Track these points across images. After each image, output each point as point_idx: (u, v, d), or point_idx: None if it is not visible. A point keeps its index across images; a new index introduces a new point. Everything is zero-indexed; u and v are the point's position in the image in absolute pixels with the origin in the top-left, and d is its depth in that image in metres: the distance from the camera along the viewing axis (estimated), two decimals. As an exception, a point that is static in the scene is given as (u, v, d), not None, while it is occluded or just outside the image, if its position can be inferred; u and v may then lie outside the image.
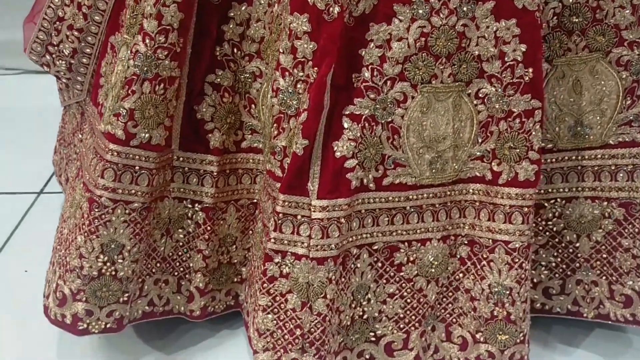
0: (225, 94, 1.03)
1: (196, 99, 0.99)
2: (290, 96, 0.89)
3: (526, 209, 0.94)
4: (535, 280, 1.11)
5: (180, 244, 1.07)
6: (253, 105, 1.05)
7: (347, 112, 0.90)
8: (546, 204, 1.09)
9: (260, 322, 0.91)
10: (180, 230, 1.07)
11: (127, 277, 0.99)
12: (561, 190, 1.08)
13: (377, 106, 0.91)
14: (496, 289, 0.97)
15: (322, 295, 0.90)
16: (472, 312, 1.00)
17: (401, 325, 1.00)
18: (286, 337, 0.91)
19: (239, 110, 1.05)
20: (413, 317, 1.00)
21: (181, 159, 1.04)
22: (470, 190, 0.97)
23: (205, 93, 1.01)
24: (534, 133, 0.93)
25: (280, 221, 0.90)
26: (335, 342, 0.95)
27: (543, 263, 1.11)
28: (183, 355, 1.13)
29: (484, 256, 0.98)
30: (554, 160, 1.07)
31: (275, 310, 0.92)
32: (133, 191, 0.97)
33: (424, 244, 0.98)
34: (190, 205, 1.06)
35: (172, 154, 1.03)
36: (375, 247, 0.96)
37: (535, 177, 0.94)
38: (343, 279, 0.93)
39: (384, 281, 0.98)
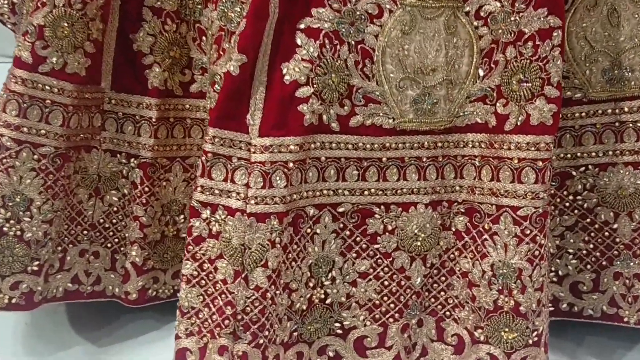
0: (168, 21, 0.84)
1: (132, 25, 0.81)
2: (231, 6, 0.69)
3: (541, 164, 0.71)
4: (560, 272, 0.87)
5: (114, 209, 0.88)
6: (204, 38, 0.85)
7: (301, 26, 0.70)
8: (574, 173, 0.85)
9: (183, 297, 0.69)
10: (113, 192, 0.87)
11: (36, 240, 0.79)
12: (593, 154, 0.84)
13: (343, 20, 0.70)
14: (501, 271, 0.73)
15: (261, 263, 0.68)
16: (471, 303, 0.76)
17: (376, 316, 0.77)
18: (214, 317, 0.70)
19: (187, 43, 0.85)
20: (392, 306, 0.77)
21: (114, 101, 0.85)
22: (469, 142, 0.74)
23: (144, 19, 0.82)
24: (552, 62, 0.70)
25: (209, 164, 0.69)
26: (284, 330, 0.72)
27: (570, 250, 0.86)
28: (118, 347, 0.92)
29: (486, 227, 0.74)
30: (583, 114, 0.83)
31: (202, 281, 0.70)
32: (43, 131, 0.78)
33: (407, 209, 0.75)
34: (125, 161, 0.87)
35: (102, 95, 0.83)
36: (341, 210, 0.74)
37: (553, 121, 0.71)
38: (295, 247, 0.71)
39: (354, 255, 0.75)
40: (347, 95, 0.72)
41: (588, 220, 0.86)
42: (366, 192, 0.74)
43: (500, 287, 0.74)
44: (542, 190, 0.72)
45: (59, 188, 0.81)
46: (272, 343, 0.71)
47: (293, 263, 0.72)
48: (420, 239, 0.76)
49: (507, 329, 0.74)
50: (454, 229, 0.77)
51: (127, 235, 0.88)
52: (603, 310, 0.87)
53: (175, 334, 0.71)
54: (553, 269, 0.87)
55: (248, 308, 0.68)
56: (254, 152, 0.69)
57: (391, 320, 0.77)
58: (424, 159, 0.75)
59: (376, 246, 0.76)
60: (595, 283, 0.87)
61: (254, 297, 0.69)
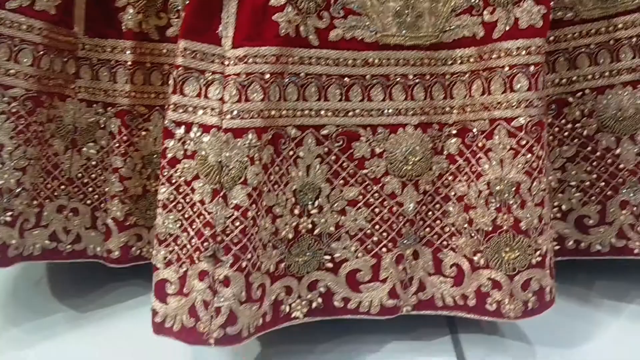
0: (141, -40, 0.81)
1: (103, -35, 0.77)
2: None
3: (533, 69, 0.67)
4: (564, 207, 0.82)
5: (93, 162, 0.84)
6: (179, -23, 0.82)
7: None
8: (570, 99, 0.81)
9: (160, 223, 0.65)
10: (91, 144, 0.84)
11: (9, 188, 0.76)
12: (589, 77, 0.80)
13: None
14: (498, 187, 0.69)
15: (240, 180, 0.64)
16: (468, 227, 0.71)
17: (369, 246, 0.72)
18: (193, 241, 0.65)
19: (161, -16, 0.83)
20: (384, 235, 0.72)
21: (88, 47, 0.82)
22: (458, 59, 0.71)
23: (116, -43, 0.80)
24: (537, -41, 0.67)
25: (181, 79, 0.65)
26: (270, 259, 0.68)
27: (573, 183, 0.82)
28: (100, 314, 0.87)
29: (480, 145, 0.70)
30: (576, 35, 0.79)
31: (179, 205, 0.66)
32: (12, 71, 0.75)
33: (395, 131, 0.71)
34: (101, 110, 0.83)
35: (75, 40, 0.81)
36: (325, 132, 0.70)
37: (544, 23, 0.67)
38: (277, 169, 0.67)
39: (341, 182, 0.71)
40: (325, 6, 0.68)
41: (589, 148, 0.81)
42: (350, 113, 0.71)
43: (499, 205, 0.69)
44: (536, 98, 0.68)
45: (32, 134, 0.77)
46: (256, 270, 0.66)
47: (275, 186, 0.68)
48: (411, 162, 0.72)
49: (507, 249, 0.69)
50: (446, 153, 0.73)
51: (107, 190, 0.84)
52: (611, 244, 0.82)
53: (154, 266, 0.66)
54: (556, 204, 0.82)
55: (228, 229, 0.64)
56: (227, 65, 0.65)
57: (384, 250, 0.72)
58: (410, 77, 0.71)
59: (364, 171, 0.71)
60: (601, 215, 0.82)
61: (233, 217, 0.64)
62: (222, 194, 0.64)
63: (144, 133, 0.84)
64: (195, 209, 0.65)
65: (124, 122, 0.82)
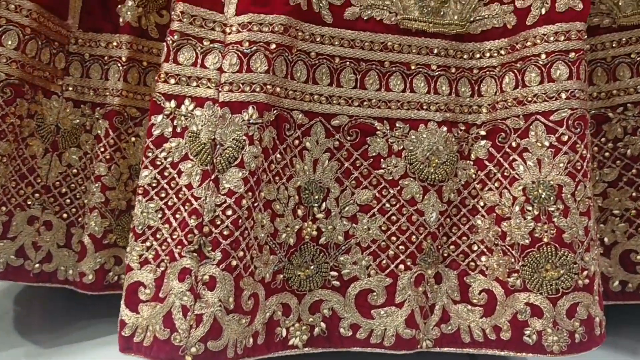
0: (144, -47, 0.76)
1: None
2: None
3: (574, 56, 0.59)
4: (606, 240, 0.72)
5: (74, 170, 0.75)
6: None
7: None
8: (610, 114, 0.72)
9: (137, 213, 0.55)
10: (74, 149, 0.75)
11: (-28, 185, 0.66)
12: (631, 89, 0.72)
13: None
14: (535, 193, 0.59)
15: (236, 162, 0.54)
16: (501, 242, 0.60)
17: (383, 262, 0.61)
18: (175, 234, 0.54)
19: (165, -21, 0.77)
20: (402, 248, 0.61)
21: (80, 41, 0.75)
22: (487, 52, 0.63)
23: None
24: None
25: (175, 45, 0.57)
26: (267, 265, 0.57)
27: (616, 212, 0.72)
28: (65, 351, 0.75)
29: (513, 145, 0.61)
30: (614, 43, 0.72)
31: (162, 192, 0.56)
32: (-8, 53, 0.67)
33: (415, 127, 0.62)
34: (89, 111, 0.75)
35: (68, 33, 0.74)
36: (336, 123, 0.61)
37: (584, 5, 0.60)
38: (279, 157, 0.58)
39: (353, 183, 0.61)
40: None
41: (633, 171, 0.72)
42: (365, 103, 0.62)
43: (537, 214, 0.59)
44: (577, 88, 0.59)
45: (8, 127, 0.69)
46: (249, 274, 0.55)
47: (277, 178, 0.58)
48: (434, 164, 0.62)
49: (548, 266, 0.58)
50: (473, 158, 0.63)
51: (86, 201, 0.74)
52: (665, 286, 0.70)
53: (127, 265, 0.55)
54: (598, 236, 0.71)
55: (218, 219, 0.53)
56: (229, 33, 0.57)
57: (402, 267, 0.61)
58: (434, 67, 0.63)
59: (380, 172, 0.62)
60: (651, 249, 0.71)
61: (225, 205, 0.54)
62: (213, 176, 0.54)
63: (133, 139, 0.76)
64: (180, 196, 0.55)
65: (112, 124, 0.74)
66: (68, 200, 0.75)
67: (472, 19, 0.64)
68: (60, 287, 0.77)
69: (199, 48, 0.58)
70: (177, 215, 0.55)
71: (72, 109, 0.75)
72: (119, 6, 0.75)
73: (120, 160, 0.75)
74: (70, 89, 0.75)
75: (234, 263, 0.53)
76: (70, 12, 0.74)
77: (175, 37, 0.57)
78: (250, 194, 0.54)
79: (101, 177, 0.74)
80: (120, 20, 0.75)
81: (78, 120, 0.75)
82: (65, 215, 0.75)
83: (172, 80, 0.57)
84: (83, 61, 0.75)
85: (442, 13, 0.63)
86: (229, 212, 0.53)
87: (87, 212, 0.74)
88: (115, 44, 0.75)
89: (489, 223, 0.62)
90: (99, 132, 0.74)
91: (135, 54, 0.75)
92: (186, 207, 0.54)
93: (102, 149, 0.74)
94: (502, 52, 0.63)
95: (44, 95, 0.74)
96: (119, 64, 0.74)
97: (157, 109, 0.57)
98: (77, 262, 0.74)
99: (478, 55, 0.64)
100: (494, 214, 0.62)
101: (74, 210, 0.75)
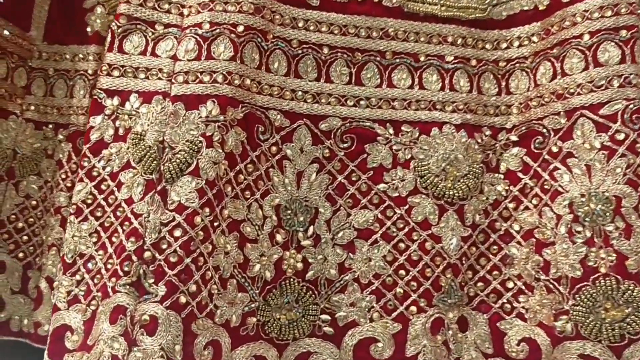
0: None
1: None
2: None
3: (625, 34, 0.46)
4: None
5: (33, 202, 0.65)
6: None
7: None
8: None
9: (68, 238, 0.43)
10: (33, 177, 0.65)
11: None
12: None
13: None
14: (586, 208, 0.45)
15: (189, 169, 0.42)
16: (544, 276, 0.46)
17: (389, 303, 0.47)
18: (110, 263, 0.42)
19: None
20: (413, 285, 0.47)
21: (45, 55, 0.67)
22: (515, 40, 0.51)
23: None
24: None
25: (121, 31, 0.47)
26: (233, 305, 0.44)
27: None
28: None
29: (554, 151, 0.48)
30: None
31: (99, 210, 0.44)
32: None
33: (427, 131, 0.50)
34: (51, 134, 0.66)
35: (30, 47, 0.65)
36: (325, 126, 0.49)
37: (637, -27, 0.48)
38: (250, 166, 0.46)
39: (348, 201, 0.49)
40: None
41: None
42: (362, 102, 0.50)
43: (589, 236, 0.45)
44: (633, 73, 0.46)
45: (-49, 148, 0.59)
46: (205, 314, 0.41)
47: (247, 193, 0.45)
48: (452, 178, 0.49)
49: (608, 305, 0.43)
50: (503, 170, 0.50)
51: (44, 237, 0.63)
52: None
53: (53, 304, 0.43)
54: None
55: (164, 242, 0.41)
56: (188, 15, 0.46)
57: (414, 310, 0.47)
58: (449, 59, 0.51)
59: (382, 187, 0.49)
60: None
61: (174, 223, 0.41)
62: (159, 187, 0.42)
63: (101, 165, 0.65)
64: (118, 213, 0.43)
65: (76, 146, 0.64)
66: (25, 237, 0.64)
67: (494, 2, 0.52)
68: (14, 340, 0.65)
69: (150, 34, 0.47)
70: (114, 239, 0.42)
71: (33, 131, 0.66)
72: (88, 14, 0.66)
73: (85, 189, 0.63)
74: (32, 108, 0.66)
75: (182, 300, 0.40)
76: (33, 23, 0.66)
77: (122, 21, 0.47)
78: (207, 209, 0.42)
79: (61, 208, 0.62)
80: (89, 29, 0.66)
81: (39, 144, 0.65)
82: (21, 254, 0.65)
83: (116, 73, 0.46)
84: (47, 77, 0.66)
85: (455, -7, 0.52)
86: (178, 233, 0.41)
87: (45, 251, 0.63)
88: (81, 56, 0.66)
89: (527, 252, 0.48)
90: (61, 156, 0.64)
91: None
92: (124, 228, 0.42)
93: (64, 176, 0.64)
94: (535, 38, 0.51)
95: (1, 116, 0.64)
96: (85, 79, 0.65)
97: (98, 108, 0.46)
98: (33, 311, 0.62)
99: (504, 45, 0.52)
100: (533, 240, 0.48)
101: (31, 249, 0.65)
